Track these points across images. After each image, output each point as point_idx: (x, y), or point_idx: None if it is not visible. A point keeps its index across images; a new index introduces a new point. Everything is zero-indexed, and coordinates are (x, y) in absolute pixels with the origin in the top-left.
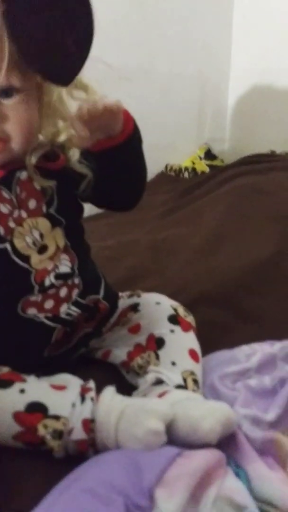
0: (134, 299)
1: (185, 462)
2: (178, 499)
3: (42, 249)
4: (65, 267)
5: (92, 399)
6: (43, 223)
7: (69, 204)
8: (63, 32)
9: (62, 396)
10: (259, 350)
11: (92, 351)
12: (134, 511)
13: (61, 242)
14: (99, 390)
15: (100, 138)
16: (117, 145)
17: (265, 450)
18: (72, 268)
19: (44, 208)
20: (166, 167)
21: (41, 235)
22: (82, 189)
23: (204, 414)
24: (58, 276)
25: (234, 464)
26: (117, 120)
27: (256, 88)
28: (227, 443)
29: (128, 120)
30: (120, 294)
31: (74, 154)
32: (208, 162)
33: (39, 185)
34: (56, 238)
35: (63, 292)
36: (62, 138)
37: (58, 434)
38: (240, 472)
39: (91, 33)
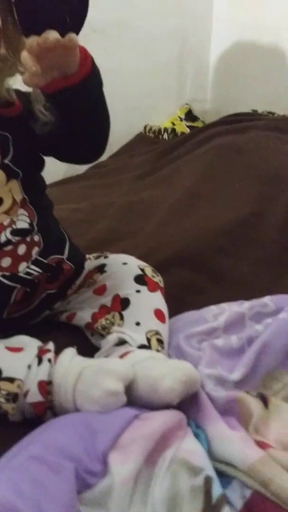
0: (101, 260)
1: (142, 424)
2: (132, 463)
3: None
4: (23, 222)
5: (49, 360)
6: None
7: (27, 155)
8: None
9: (17, 358)
10: (227, 310)
11: (57, 314)
12: (86, 477)
13: (18, 196)
14: (61, 352)
15: (54, 77)
16: (74, 85)
17: (228, 409)
18: (31, 224)
19: None
20: (145, 128)
21: None
22: (38, 131)
23: (164, 373)
24: (15, 232)
25: (194, 425)
26: (72, 57)
27: (239, 45)
28: (189, 403)
29: (86, 58)
30: (87, 256)
31: (35, 100)
32: (189, 124)
33: None
34: (13, 191)
35: (21, 249)
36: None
37: (13, 397)
38: (200, 433)
39: None
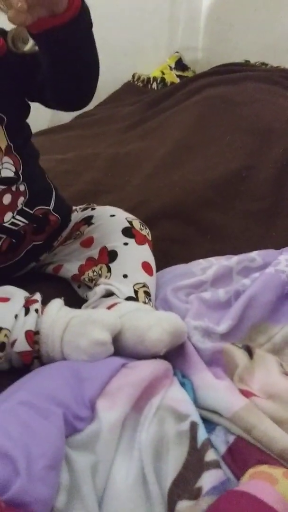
0: (88, 212)
1: (129, 372)
2: (119, 409)
3: None
4: (7, 171)
5: (36, 310)
6: None
7: (12, 100)
8: None
9: (4, 308)
10: (215, 264)
11: (44, 266)
12: (74, 422)
13: (3, 142)
14: (47, 304)
15: (42, 16)
16: (62, 25)
17: (214, 360)
18: (16, 173)
19: None
20: (133, 76)
21: None
22: (26, 61)
23: (151, 324)
24: (0, 181)
25: (180, 375)
26: None
27: None
28: (176, 353)
29: None
30: (74, 207)
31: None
32: (179, 73)
33: None
34: None
35: (6, 199)
36: None
37: (0, 346)
38: (186, 382)
39: None
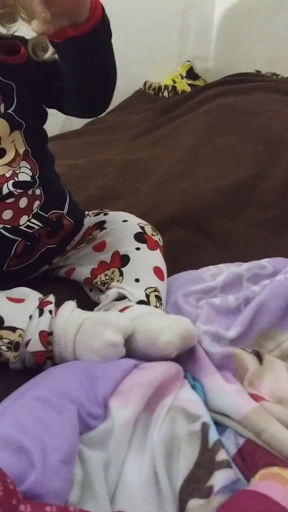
0: (101, 217)
1: (141, 373)
2: (131, 408)
3: None
4: (25, 175)
5: (50, 312)
6: (1, 125)
7: (31, 106)
8: None
9: (19, 308)
10: (225, 270)
11: (56, 269)
12: (87, 419)
13: (21, 147)
14: (60, 306)
15: (64, 26)
16: (83, 34)
17: (224, 364)
18: (32, 177)
19: (1, 108)
20: (145, 84)
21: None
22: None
23: (163, 327)
24: (17, 185)
25: (191, 377)
26: (82, 5)
27: (244, 2)
28: (186, 357)
29: (96, 7)
30: (86, 212)
31: (38, 46)
32: (190, 82)
33: None
34: (15, 143)
35: (22, 202)
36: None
37: (14, 346)
38: (196, 385)
39: None
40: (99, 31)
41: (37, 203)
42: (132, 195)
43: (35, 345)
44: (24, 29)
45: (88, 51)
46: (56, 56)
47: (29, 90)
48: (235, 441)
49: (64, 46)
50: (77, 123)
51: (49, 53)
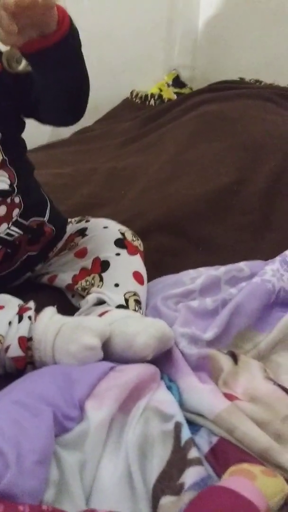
0: (82, 224)
1: (117, 375)
2: (106, 409)
3: None
4: (2, 183)
5: (30, 317)
6: None
7: (7, 116)
8: None
9: None
10: (204, 273)
11: (39, 276)
12: (64, 421)
13: None
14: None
15: (32, 37)
16: (52, 45)
17: (200, 365)
18: (11, 186)
19: None
20: (131, 93)
21: None
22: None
23: (139, 329)
24: None
25: (167, 379)
26: (49, 16)
27: (228, 11)
28: (163, 359)
29: (64, 17)
30: (69, 219)
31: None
32: (177, 90)
33: None
34: None
35: (1, 210)
36: None
37: None
38: (172, 386)
39: None
40: (68, 41)
41: (16, 210)
42: (118, 202)
43: (15, 351)
44: None
45: (58, 61)
46: (29, 67)
47: (4, 101)
48: (208, 440)
49: (34, 57)
50: (65, 132)
51: (23, 65)
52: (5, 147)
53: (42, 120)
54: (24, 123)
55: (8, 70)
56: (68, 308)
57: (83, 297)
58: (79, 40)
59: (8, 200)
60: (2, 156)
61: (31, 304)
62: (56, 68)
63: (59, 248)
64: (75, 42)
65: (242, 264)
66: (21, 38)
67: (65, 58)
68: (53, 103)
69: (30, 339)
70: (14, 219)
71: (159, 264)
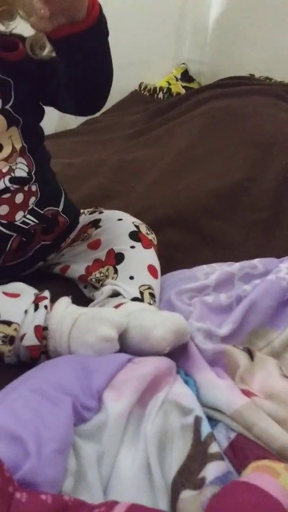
0: (96, 215)
1: (135, 367)
2: (125, 401)
3: None
4: (21, 171)
5: (46, 307)
6: None
7: (28, 103)
8: None
9: (15, 303)
10: (218, 269)
11: (51, 266)
12: (82, 411)
13: (18, 143)
14: (55, 302)
15: (62, 23)
16: (80, 32)
17: (216, 361)
18: (29, 173)
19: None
20: (140, 86)
21: None
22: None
23: (156, 322)
24: (13, 180)
25: (183, 373)
26: (80, 3)
27: (239, 7)
28: (179, 353)
29: (94, 5)
30: (82, 210)
31: (36, 44)
32: (185, 84)
33: None
34: (12, 139)
35: (18, 198)
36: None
37: (9, 339)
38: (189, 380)
39: None
40: (97, 29)
41: (33, 199)
42: (127, 195)
43: (30, 340)
44: (23, 27)
45: (85, 48)
46: (53, 54)
47: (26, 87)
48: (226, 435)
49: (61, 43)
50: (73, 122)
51: (47, 51)
52: (25, 134)
53: (61, 108)
54: (43, 110)
55: (31, 56)
56: (80, 299)
57: (96, 288)
58: (107, 29)
59: (26, 188)
60: (22, 143)
61: (47, 293)
62: (82, 56)
63: (72, 238)
64: (103, 31)
65: (256, 261)
66: (50, 23)
67: (91, 46)
68: (75, 91)
69: (45, 328)
70: (30, 207)
71: (169, 259)
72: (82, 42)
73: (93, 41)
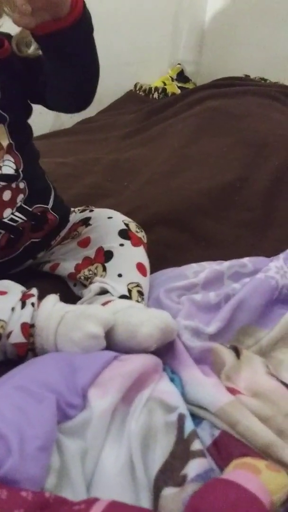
0: (86, 214)
1: (121, 364)
2: (110, 398)
3: None
4: (8, 168)
5: (33, 304)
6: None
7: (15, 100)
8: None
9: (2, 300)
10: (207, 268)
11: (41, 264)
12: (66, 409)
13: (5, 141)
14: (43, 299)
15: (45, 19)
16: (64, 28)
17: (202, 358)
18: (16, 171)
19: None
20: (135, 85)
21: None
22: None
23: (143, 320)
24: (0, 177)
25: (169, 370)
26: None
27: (235, 8)
28: (166, 350)
29: (77, 1)
30: (72, 209)
31: (21, 41)
32: (180, 84)
33: None
34: (0, 136)
35: (6, 195)
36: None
37: None
38: (175, 378)
39: None
40: (81, 25)
41: (21, 196)
42: (120, 194)
43: (17, 337)
44: (9, 26)
45: (69, 45)
46: (39, 51)
47: (13, 85)
48: (210, 433)
49: (46, 40)
50: (68, 122)
51: (32, 48)
52: (12, 131)
53: (49, 105)
54: (31, 108)
55: (17, 54)
56: (69, 297)
57: (85, 286)
58: (92, 25)
59: (13, 185)
60: (9, 140)
61: (34, 291)
62: (67, 52)
63: (62, 236)
64: (87, 27)
65: (245, 260)
66: (34, 20)
67: (76, 42)
68: (62, 88)
69: (32, 325)
70: (18, 205)
71: (160, 257)
72: (66, 39)
73: (77, 37)
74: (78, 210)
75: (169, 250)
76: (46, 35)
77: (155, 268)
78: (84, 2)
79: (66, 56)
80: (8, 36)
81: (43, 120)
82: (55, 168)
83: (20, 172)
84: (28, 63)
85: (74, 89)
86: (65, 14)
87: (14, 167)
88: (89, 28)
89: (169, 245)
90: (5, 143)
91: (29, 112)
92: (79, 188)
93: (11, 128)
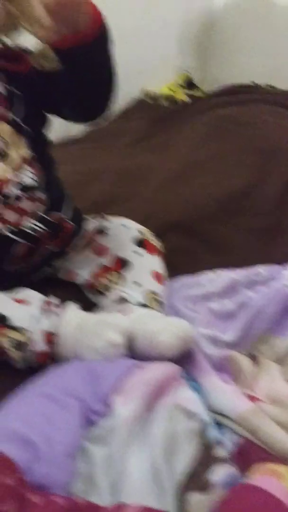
0: (101, 222)
1: (141, 372)
2: (132, 405)
3: (3, 157)
4: (29, 179)
5: (54, 313)
6: (6, 130)
7: (35, 113)
8: None
9: (24, 309)
10: (222, 276)
11: (56, 272)
12: (90, 415)
13: (26, 152)
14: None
15: (65, 33)
16: (84, 42)
17: (221, 366)
18: (36, 181)
19: (9, 115)
20: (143, 93)
21: (5, 143)
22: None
23: (162, 328)
24: (21, 188)
25: (189, 378)
26: (84, 13)
27: (243, 15)
28: (184, 358)
29: (97, 15)
30: (86, 217)
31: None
32: (188, 92)
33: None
34: (20, 148)
35: (26, 205)
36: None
37: (20, 345)
38: (194, 385)
39: None
40: (100, 39)
41: (40, 206)
42: (130, 201)
43: (39, 345)
44: (29, 40)
45: (89, 58)
46: (58, 66)
47: (34, 98)
48: (231, 439)
49: (66, 54)
50: (77, 130)
51: (52, 62)
52: (32, 143)
53: (64, 116)
54: (47, 118)
55: (37, 68)
56: (86, 305)
57: (101, 294)
58: (110, 37)
59: (33, 195)
60: (29, 151)
61: (54, 299)
62: (87, 65)
63: (77, 244)
64: (106, 40)
65: (259, 268)
66: (55, 34)
67: (96, 56)
68: (79, 99)
69: (53, 333)
70: (37, 214)
71: (171, 264)
72: (86, 52)
73: (97, 50)
74: (92, 218)
75: (180, 258)
76: (66, 49)
77: (168, 276)
78: (103, 17)
79: (86, 69)
80: (27, 51)
81: (52, 128)
82: (64, 176)
83: (40, 182)
84: (47, 77)
85: (92, 100)
86: (85, 28)
87: (34, 177)
88: (108, 42)
89: (180, 252)
90: (26, 155)
91: (46, 122)
92: (89, 196)
93: (31, 139)
